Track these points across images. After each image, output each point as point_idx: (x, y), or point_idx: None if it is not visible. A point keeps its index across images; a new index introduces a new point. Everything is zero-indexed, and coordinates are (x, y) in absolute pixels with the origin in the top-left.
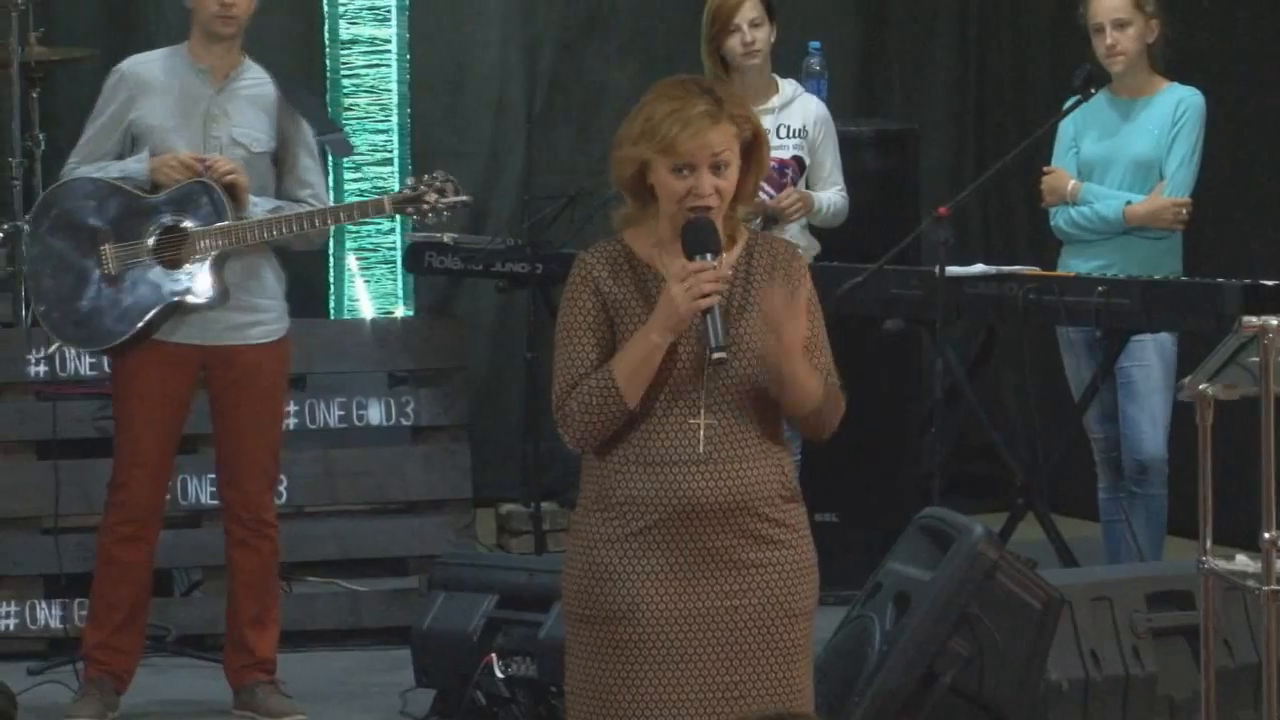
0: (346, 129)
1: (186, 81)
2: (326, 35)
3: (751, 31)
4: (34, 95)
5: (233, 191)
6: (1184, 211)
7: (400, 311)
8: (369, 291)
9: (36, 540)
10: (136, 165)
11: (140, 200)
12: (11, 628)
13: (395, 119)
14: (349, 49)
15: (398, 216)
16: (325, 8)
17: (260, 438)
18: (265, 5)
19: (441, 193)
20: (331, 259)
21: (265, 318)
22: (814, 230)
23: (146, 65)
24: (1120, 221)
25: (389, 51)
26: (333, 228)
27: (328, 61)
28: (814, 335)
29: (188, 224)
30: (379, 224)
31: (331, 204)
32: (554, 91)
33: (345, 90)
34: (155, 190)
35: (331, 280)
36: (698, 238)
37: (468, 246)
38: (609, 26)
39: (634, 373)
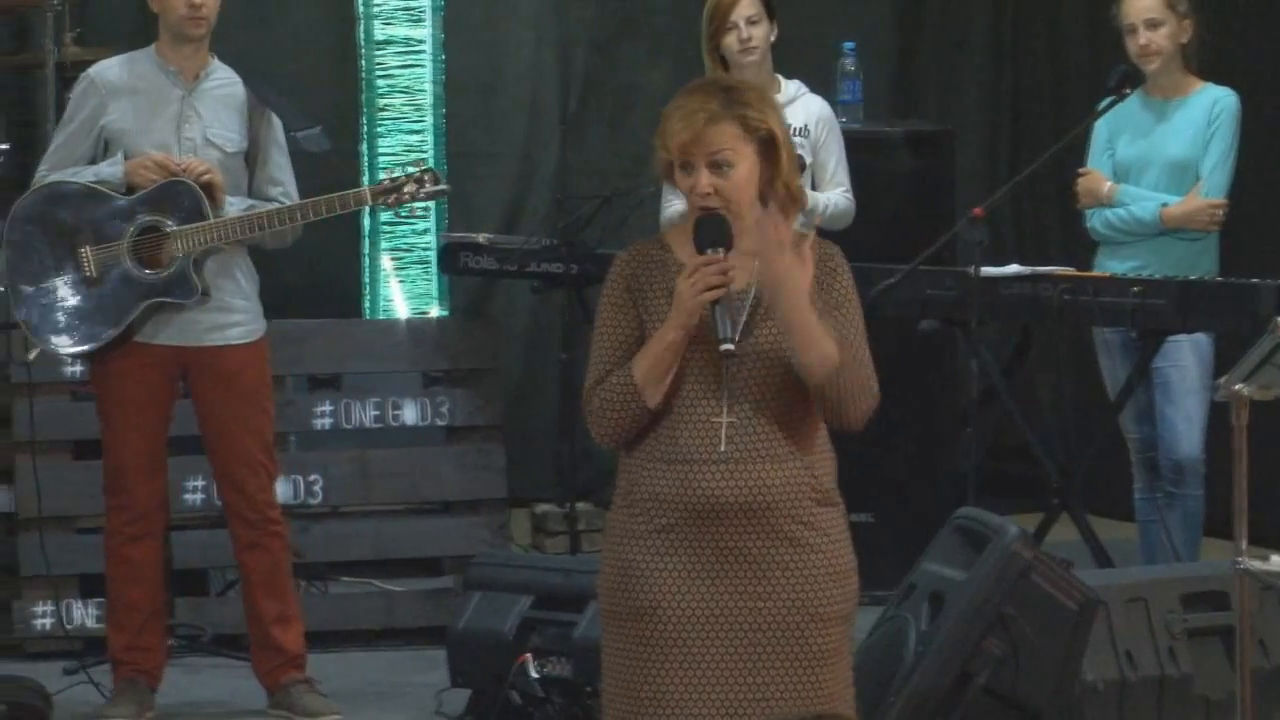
0: (321, 126)
1: (157, 84)
2: (361, 36)
3: (748, 29)
4: (68, 96)
5: (209, 191)
6: (1220, 213)
7: (435, 312)
8: (404, 292)
9: (72, 540)
10: (111, 169)
11: (117, 202)
12: (47, 627)
13: (429, 120)
14: (383, 50)
15: (432, 216)
16: (360, 8)
17: (251, 436)
18: (299, 7)
19: (420, 183)
20: (366, 259)
21: (243, 318)
22: (822, 232)
23: (116, 70)
24: (1156, 223)
25: (423, 52)
26: (303, 223)
27: (362, 62)
28: (851, 332)
29: (166, 224)
30: (413, 224)
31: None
32: (587, 92)
33: (380, 91)
34: (131, 192)
35: (366, 281)
36: (708, 232)
37: (502, 247)
38: (642, 27)
39: (651, 370)
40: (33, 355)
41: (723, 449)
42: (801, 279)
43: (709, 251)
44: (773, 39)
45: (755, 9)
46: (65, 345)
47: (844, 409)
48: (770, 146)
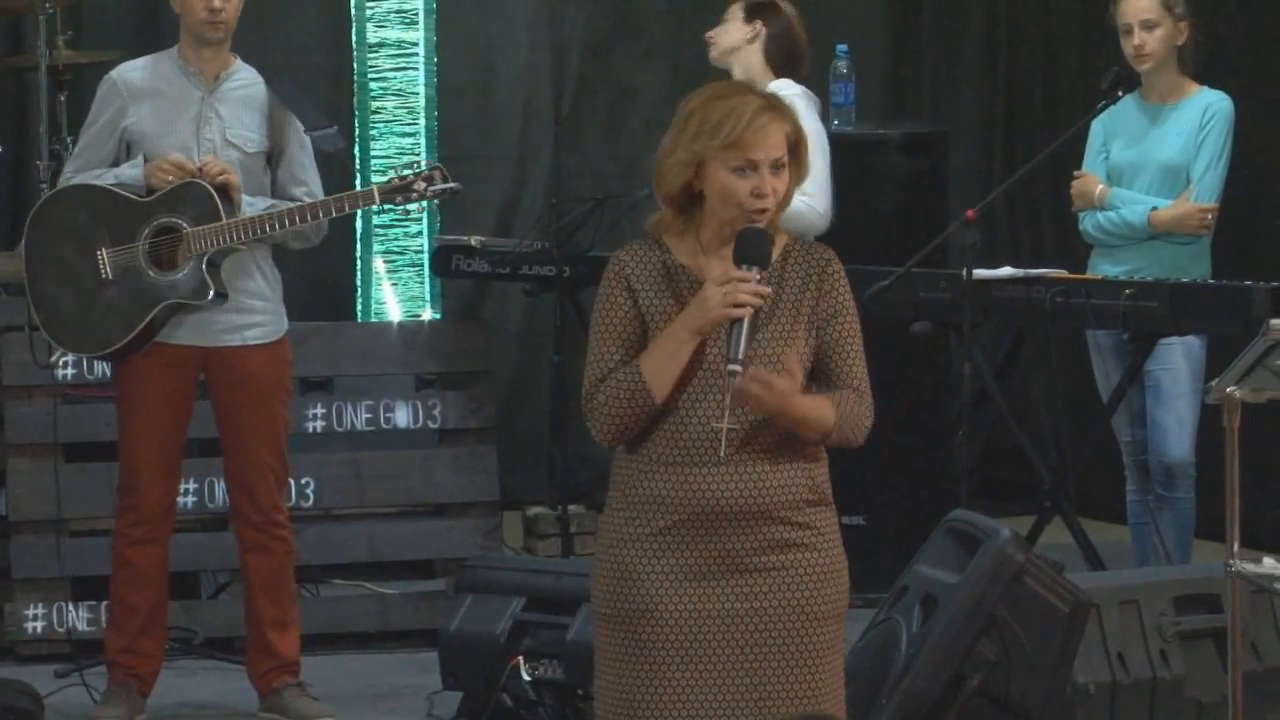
0: (337, 126)
1: (178, 85)
2: (354, 38)
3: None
4: (61, 99)
5: (226, 191)
6: (1209, 217)
7: (427, 314)
8: (396, 294)
9: (65, 543)
10: (131, 171)
11: (134, 204)
12: (39, 630)
13: (423, 122)
14: (376, 52)
15: (425, 219)
16: (353, 11)
17: (265, 439)
18: (294, 7)
19: (430, 180)
20: (359, 262)
21: (263, 319)
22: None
23: (137, 71)
24: (1146, 227)
25: (417, 55)
26: (325, 222)
27: (355, 65)
28: (847, 343)
29: (182, 225)
30: (406, 227)
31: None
32: (582, 95)
33: (373, 94)
34: (150, 194)
35: (359, 283)
36: (751, 247)
37: (495, 250)
38: (637, 30)
39: (661, 367)
40: (55, 358)
41: (723, 454)
42: (789, 390)
43: (745, 268)
44: (750, 37)
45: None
46: (85, 348)
47: (844, 443)
48: (796, 150)
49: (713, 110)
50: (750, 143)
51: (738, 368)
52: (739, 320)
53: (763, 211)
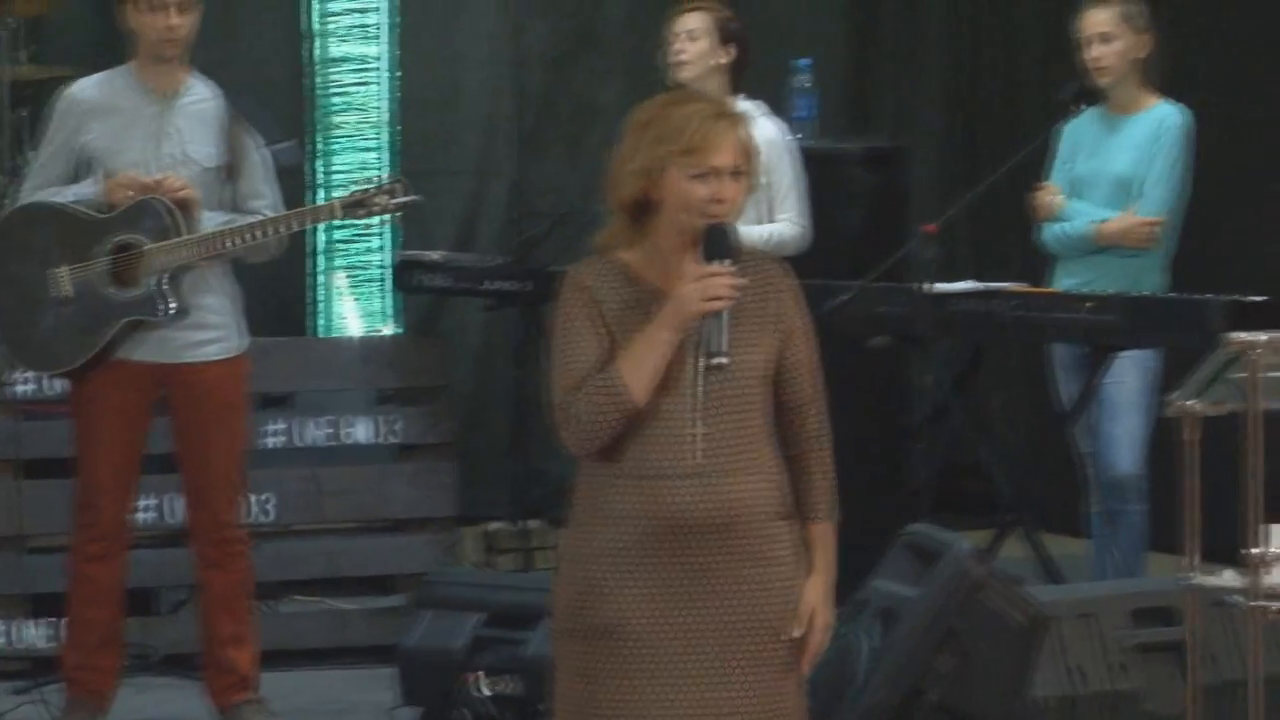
0: (296, 140)
1: (134, 101)
2: (316, 53)
3: (683, 43)
4: (23, 114)
5: (185, 207)
6: (1155, 230)
7: (388, 330)
8: (356, 309)
9: (23, 560)
10: (90, 188)
11: (93, 221)
12: None
13: (384, 137)
14: (337, 67)
15: (386, 234)
16: (314, 26)
17: (224, 456)
18: (254, 23)
19: (391, 194)
20: (319, 277)
21: (222, 334)
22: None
23: (93, 88)
24: (1092, 239)
25: (377, 70)
26: (286, 235)
27: (316, 80)
28: (806, 360)
29: (141, 241)
30: (367, 242)
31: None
32: (543, 110)
33: (334, 109)
34: (109, 211)
35: (319, 298)
36: (719, 242)
37: (456, 265)
38: (599, 45)
39: (640, 369)
40: (15, 375)
41: (699, 460)
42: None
43: (716, 264)
44: (723, 61)
45: (697, 25)
46: (43, 366)
47: None
48: (749, 161)
49: (670, 117)
50: (709, 148)
51: (723, 360)
52: (717, 314)
53: (718, 218)
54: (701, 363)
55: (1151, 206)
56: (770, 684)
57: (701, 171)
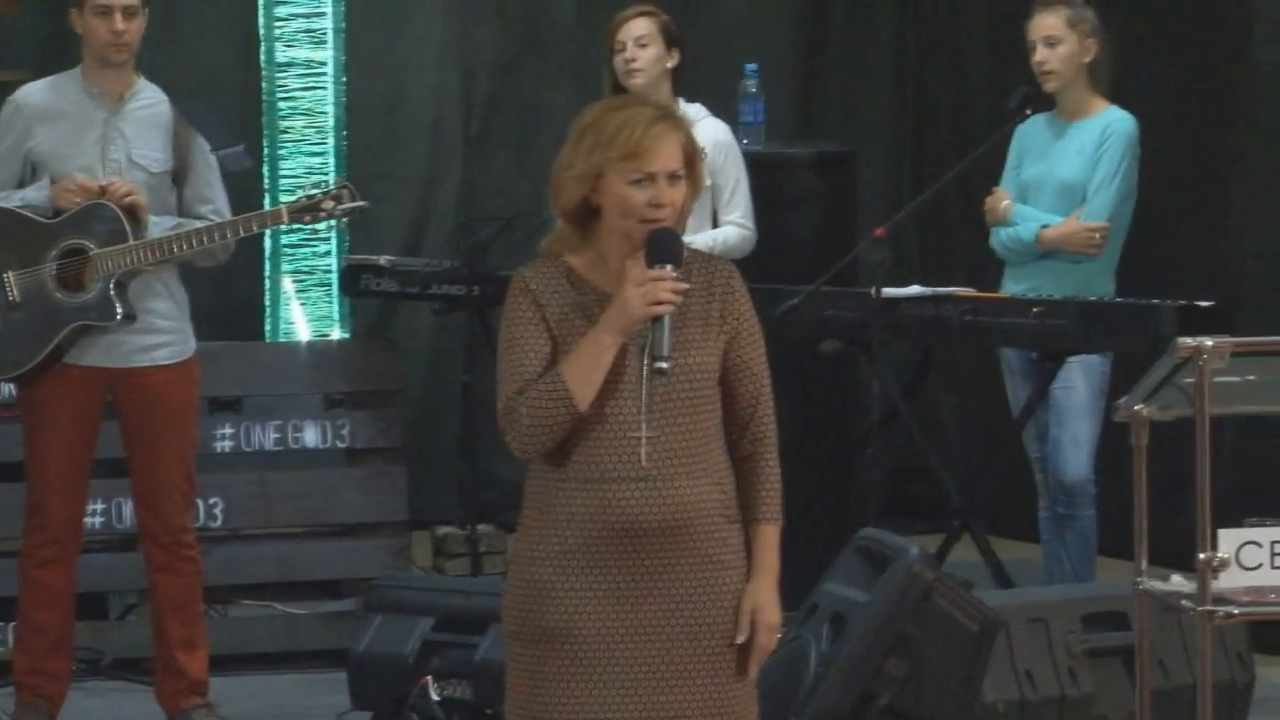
0: (244, 144)
1: (82, 106)
2: (263, 58)
3: (634, 49)
4: None
5: (132, 212)
6: (1097, 236)
7: (336, 334)
8: (305, 314)
9: None
10: (37, 193)
11: (40, 225)
12: None
13: (331, 142)
14: (285, 72)
15: (334, 238)
16: (261, 30)
17: (173, 460)
18: (202, 28)
19: (338, 199)
20: (267, 281)
21: (171, 339)
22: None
23: (40, 93)
24: (1034, 244)
25: (325, 75)
26: (234, 240)
27: (264, 84)
28: (753, 361)
29: (89, 246)
30: (315, 246)
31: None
32: (490, 114)
33: (281, 113)
34: (57, 216)
35: (267, 303)
36: (663, 247)
37: (404, 269)
38: (545, 49)
39: (583, 373)
40: None
41: (644, 464)
42: (775, 628)
43: (659, 268)
44: (671, 65)
45: (646, 31)
46: None
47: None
48: (691, 162)
49: (609, 122)
50: (647, 153)
51: (665, 364)
52: (660, 318)
53: (659, 222)
54: (646, 367)
55: (1095, 212)
56: (720, 687)
57: (639, 177)
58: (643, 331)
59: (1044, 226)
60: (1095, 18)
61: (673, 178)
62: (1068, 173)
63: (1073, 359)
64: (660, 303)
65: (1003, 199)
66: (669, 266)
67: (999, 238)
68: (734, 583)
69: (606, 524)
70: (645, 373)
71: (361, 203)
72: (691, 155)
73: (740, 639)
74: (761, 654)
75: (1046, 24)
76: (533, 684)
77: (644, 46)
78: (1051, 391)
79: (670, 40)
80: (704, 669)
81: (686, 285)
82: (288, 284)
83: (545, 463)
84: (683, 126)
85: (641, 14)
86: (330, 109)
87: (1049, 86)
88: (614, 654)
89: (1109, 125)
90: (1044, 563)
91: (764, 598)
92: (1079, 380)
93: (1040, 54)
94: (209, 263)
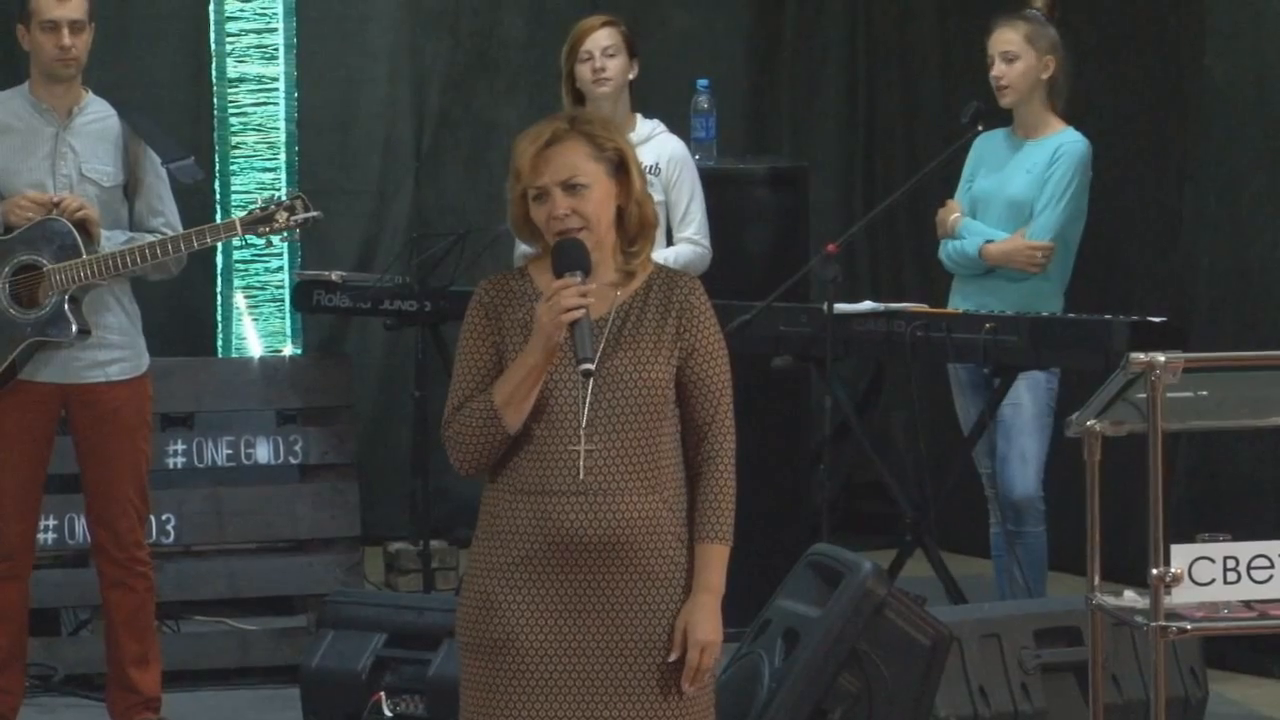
0: (194, 157)
1: (30, 122)
2: (214, 73)
3: (603, 59)
4: None
5: (85, 227)
6: (1039, 255)
7: (288, 350)
8: (257, 330)
9: None
10: None
11: None
12: None
13: (283, 157)
14: (236, 87)
15: (286, 254)
16: (213, 46)
17: (126, 475)
18: (153, 43)
19: (291, 210)
20: (219, 297)
21: (124, 354)
22: None
23: None
24: (978, 259)
25: (277, 90)
26: (186, 253)
27: (215, 100)
28: (711, 378)
29: (41, 262)
30: (267, 262)
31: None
32: (442, 129)
33: (233, 129)
34: (9, 232)
35: (219, 318)
36: (566, 256)
37: (356, 285)
38: (497, 64)
39: (512, 395)
40: None
41: (581, 477)
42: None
43: (567, 275)
44: (632, 76)
45: (612, 41)
46: None
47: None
48: (621, 169)
49: (516, 145)
50: (531, 171)
51: (590, 366)
52: (576, 324)
53: (564, 232)
54: (580, 376)
55: (1039, 231)
56: (668, 703)
57: (535, 193)
58: (569, 343)
59: (988, 242)
60: (1055, 35)
61: (568, 187)
62: (1016, 190)
63: (1021, 376)
64: (570, 309)
65: (953, 211)
66: (577, 274)
67: (946, 249)
68: (676, 600)
69: (546, 537)
70: (588, 386)
71: (315, 213)
72: (620, 159)
73: (672, 657)
74: (696, 672)
75: (1005, 39)
76: (484, 695)
77: (611, 56)
78: (1000, 408)
79: (632, 52)
80: (647, 684)
81: (593, 286)
82: (240, 299)
83: (493, 476)
84: (594, 134)
85: (606, 24)
86: (282, 124)
87: (1005, 101)
88: (558, 666)
89: (1060, 146)
90: (996, 578)
91: (697, 615)
92: (1026, 397)
93: (998, 68)
94: (162, 275)
